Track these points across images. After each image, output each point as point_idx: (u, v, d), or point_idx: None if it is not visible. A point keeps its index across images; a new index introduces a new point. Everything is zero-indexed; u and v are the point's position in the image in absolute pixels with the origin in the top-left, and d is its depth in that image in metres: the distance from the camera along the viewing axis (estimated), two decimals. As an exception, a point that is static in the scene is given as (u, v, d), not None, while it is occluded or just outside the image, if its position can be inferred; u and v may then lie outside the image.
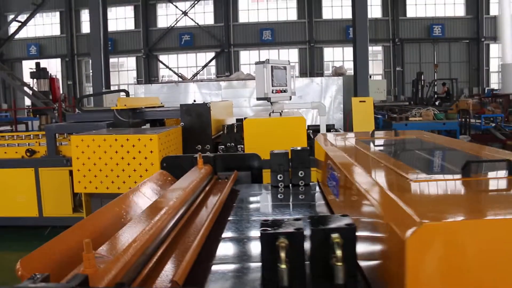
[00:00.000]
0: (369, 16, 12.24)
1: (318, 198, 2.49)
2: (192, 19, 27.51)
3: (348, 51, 27.77)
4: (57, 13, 29.37)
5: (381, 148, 2.28)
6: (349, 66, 18.52)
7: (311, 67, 27.51)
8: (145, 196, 2.34)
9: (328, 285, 1.11)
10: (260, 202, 2.57)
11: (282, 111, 5.75)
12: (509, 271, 0.91)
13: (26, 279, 1.04)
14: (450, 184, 1.32)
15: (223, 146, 5.72)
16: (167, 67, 28.05)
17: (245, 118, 5.92)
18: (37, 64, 12.83)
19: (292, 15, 28.11)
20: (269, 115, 5.64)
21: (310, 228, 1.16)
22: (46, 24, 29.71)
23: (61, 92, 15.47)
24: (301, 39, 27.88)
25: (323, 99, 11.39)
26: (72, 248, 1.49)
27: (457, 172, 1.38)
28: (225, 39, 27.90)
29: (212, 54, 28.33)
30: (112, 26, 20.30)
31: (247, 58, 28.86)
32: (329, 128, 7.31)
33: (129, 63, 29.58)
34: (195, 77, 24.76)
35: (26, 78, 15.46)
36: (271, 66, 5.33)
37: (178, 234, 1.74)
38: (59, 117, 11.06)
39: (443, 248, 0.92)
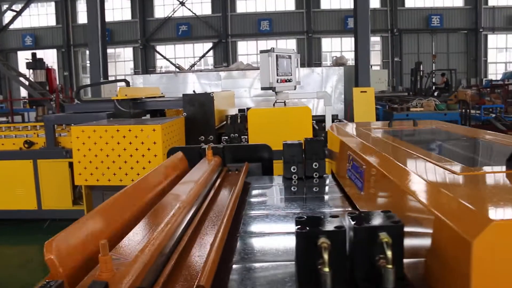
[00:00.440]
0: (368, 6, 12.09)
1: (335, 191, 2.38)
2: (189, 9, 27.23)
3: (346, 41, 27.64)
4: (53, 3, 29.04)
5: (408, 139, 2.16)
6: (347, 57, 18.37)
7: (309, 57, 27.32)
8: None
9: (376, 290, 1.00)
10: (274, 195, 2.46)
11: (285, 101, 5.63)
12: None
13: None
14: (500, 177, 1.20)
15: (226, 137, 5.60)
16: (165, 57, 27.80)
17: (248, 109, 5.81)
18: (33, 55, 12.63)
19: (290, 5, 27.87)
20: (273, 105, 5.52)
21: (353, 226, 1.04)
22: (42, 14, 29.36)
23: (57, 83, 15.27)
24: (299, 30, 27.66)
25: (323, 89, 11.25)
26: (94, 234, 1.38)
27: (500, 164, 1.28)
28: (223, 30, 27.66)
29: (209, 45, 28.09)
30: (108, 17, 19.96)
31: (245, 49, 28.67)
32: (333, 118, 7.19)
33: (126, 53, 29.31)
34: (193, 67, 24.52)
35: (22, 69, 15.23)
36: (276, 55, 5.19)
37: (195, 231, 1.62)
38: (56, 108, 10.89)
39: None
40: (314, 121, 6.26)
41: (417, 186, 1.20)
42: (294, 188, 2.55)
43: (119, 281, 1.02)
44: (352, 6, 26.73)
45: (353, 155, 1.97)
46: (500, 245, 0.82)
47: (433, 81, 19.13)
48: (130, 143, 4.45)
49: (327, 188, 2.49)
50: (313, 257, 1.02)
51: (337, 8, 27.35)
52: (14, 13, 13.17)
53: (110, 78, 14.00)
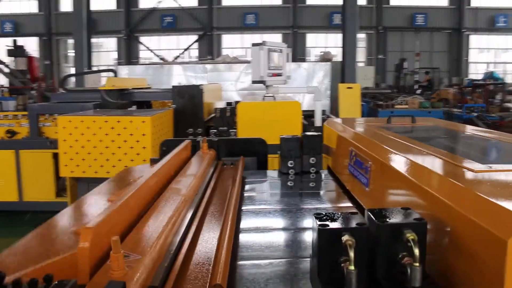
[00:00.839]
0: (354, 3, 12.10)
1: (333, 186, 2.36)
2: (175, 1, 26.91)
3: (331, 37, 27.69)
4: (34, -10, 28.40)
5: (412, 135, 2.15)
6: (332, 53, 18.40)
7: (294, 52, 27.19)
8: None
9: (400, 289, 0.97)
10: (272, 190, 2.43)
11: (274, 96, 5.59)
12: None
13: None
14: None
15: (215, 130, 5.53)
16: (149, 49, 27.47)
17: (236, 102, 5.75)
18: (14, 42, 12.33)
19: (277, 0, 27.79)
20: (263, 99, 5.48)
21: (377, 223, 1.01)
22: (23, 0, 28.65)
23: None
24: (284, 24, 27.58)
25: (310, 84, 11.24)
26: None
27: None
28: (208, 22, 27.43)
29: (194, 37, 27.82)
30: (92, 5, 19.58)
31: (230, 42, 28.47)
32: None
33: (109, 44, 28.84)
34: (177, 60, 24.29)
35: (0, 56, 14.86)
36: (268, 49, 5.15)
37: (198, 227, 1.57)
38: (38, 97, 10.65)
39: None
40: (302, 116, 6.24)
41: (438, 183, 1.17)
42: (291, 183, 2.52)
43: (130, 278, 0.97)
44: (337, 2, 26.76)
45: (356, 151, 1.94)
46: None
47: (416, 78, 19.33)
48: (119, 134, 4.36)
49: (324, 183, 2.46)
50: (335, 254, 0.99)
51: (323, 4, 27.33)
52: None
53: (93, 69, 13.79)
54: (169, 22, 27.52)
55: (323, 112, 7.93)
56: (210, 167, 2.47)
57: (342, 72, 11.13)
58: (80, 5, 11.02)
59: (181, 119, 5.48)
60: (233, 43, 28.43)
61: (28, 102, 10.90)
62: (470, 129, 2.17)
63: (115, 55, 28.66)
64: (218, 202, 1.88)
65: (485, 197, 0.95)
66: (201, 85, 5.69)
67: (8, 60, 12.49)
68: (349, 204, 1.99)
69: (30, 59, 12.52)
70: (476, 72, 27.73)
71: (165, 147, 2.97)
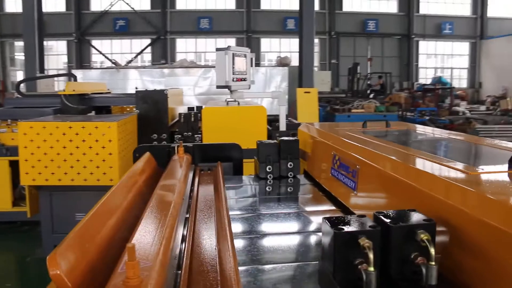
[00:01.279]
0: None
1: (313, 190, 2.40)
2: (127, 4, 26.40)
3: (285, 42, 28.05)
4: (-23, -11, 27.09)
5: (394, 139, 2.22)
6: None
7: (250, 57, 27.35)
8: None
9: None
10: (255, 195, 2.44)
11: (238, 100, 5.61)
12: None
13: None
14: (504, 176, 1.26)
15: (180, 136, 5.50)
16: (101, 53, 26.79)
17: (198, 107, 5.72)
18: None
19: (231, 4, 27.82)
20: (227, 104, 5.48)
21: (390, 225, 1.05)
22: (-37, 1, 27.27)
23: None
24: (239, 29, 27.67)
25: (267, 88, 11.35)
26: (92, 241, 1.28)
27: (501, 164, 1.35)
28: (162, 26, 27.11)
29: (147, 41, 27.38)
30: (41, 7, 18.87)
31: (184, 46, 28.25)
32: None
33: (59, 47, 27.89)
34: (130, 64, 23.84)
35: None
36: (232, 53, 5.16)
37: (193, 234, 1.56)
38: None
39: None
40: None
41: (436, 185, 1.23)
42: (269, 188, 2.54)
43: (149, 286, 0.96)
44: (291, 8, 27.05)
45: (339, 155, 1.99)
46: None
47: (369, 83, 19.90)
48: (84, 140, 4.23)
49: (304, 187, 2.50)
50: (350, 256, 1.02)
51: (276, 9, 27.67)
52: None
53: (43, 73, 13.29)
54: (122, 25, 26.98)
55: (286, 117, 8.02)
56: (189, 171, 2.46)
57: (300, 76, 11.30)
58: (32, 7, 10.63)
59: (144, 125, 5.40)
60: (187, 47, 28.24)
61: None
62: (444, 133, 2.27)
63: (65, 58, 27.75)
64: (208, 208, 1.87)
65: (492, 197, 1.01)
66: (166, 90, 5.62)
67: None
68: (333, 207, 2.04)
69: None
70: (425, 77, 28.91)
71: (138, 154, 2.91)
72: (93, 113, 6.42)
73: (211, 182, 2.41)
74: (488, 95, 25.22)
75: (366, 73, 21.11)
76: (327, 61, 28.16)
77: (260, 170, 2.64)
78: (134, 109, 5.66)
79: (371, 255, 0.98)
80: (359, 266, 1.00)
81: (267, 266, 1.38)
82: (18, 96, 6.68)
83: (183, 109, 7.26)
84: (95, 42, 27.27)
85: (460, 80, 29.73)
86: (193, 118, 5.54)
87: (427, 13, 28.53)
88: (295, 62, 13.53)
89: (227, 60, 5.11)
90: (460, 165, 1.36)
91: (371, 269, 0.98)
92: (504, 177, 1.26)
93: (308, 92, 10.36)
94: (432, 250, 0.99)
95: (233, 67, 5.22)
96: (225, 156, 2.94)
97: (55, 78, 9.66)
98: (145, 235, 1.30)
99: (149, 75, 11.50)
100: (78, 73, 10.90)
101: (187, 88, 11.24)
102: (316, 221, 1.96)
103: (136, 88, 10.97)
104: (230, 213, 2.00)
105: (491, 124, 11.13)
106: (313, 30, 11.19)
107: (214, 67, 11.48)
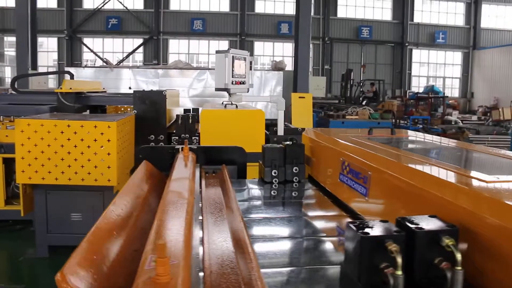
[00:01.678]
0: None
1: (319, 195, 2.42)
2: (120, 2, 26.28)
3: (278, 46, 28.16)
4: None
5: (403, 147, 2.24)
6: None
7: (243, 60, 27.37)
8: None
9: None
10: (262, 200, 2.45)
11: (236, 103, 5.61)
12: None
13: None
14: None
15: (177, 137, 5.49)
16: (92, 51, 26.61)
17: (194, 109, 5.71)
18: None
19: (225, 6, 27.87)
20: (224, 106, 5.49)
21: (415, 230, 1.07)
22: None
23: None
24: (232, 31, 27.73)
25: (262, 92, 11.37)
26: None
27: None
28: (155, 26, 27.06)
29: (140, 41, 27.30)
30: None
31: (176, 47, 28.21)
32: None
33: (49, 44, 27.66)
34: (121, 63, 23.73)
35: None
36: (233, 56, 5.17)
37: (208, 237, 1.57)
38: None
39: None
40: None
41: (457, 192, 1.25)
42: (274, 192, 2.56)
43: (179, 284, 0.96)
44: (285, 12, 27.13)
45: (350, 161, 2.01)
46: None
47: (362, 89, 20.02)
48: (82, 139, 4.20)
49: (310, 192, 2.52)
50: (375, 260, 1.04)
51: (271, 13, 27.77)
52: None
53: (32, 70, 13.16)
54: (114, 24, 26.88)
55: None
56: (196, 170, 2.46)
57: (295, 81, 11.33)
58: (25, 3, 10.53)
59: (142, 125, 5.38)
60: (180, 48, 28.21)
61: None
62: (451, 142, 2.30)
63: (55, 56, 27.52)
64: (220, 212, 1.88)
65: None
66: (165, 91, 5.60)
67: None
68: (341, 213, 2.06)
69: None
70: (417, 85, 29.20)
71: (141, 155, 2.90)
72: (87, 112, 6.38)
73: (217, 184, 2.41)
74: (480, 105, 25.56)
75: (359, 79, 21.24)
76: (320, 66, 28.30)
77: (266, 174, 2.65)
78: (129, 109, 5.64)
79: (399, 259, 0.99)
80: (385, 270, 1.02)
81: (278, 269, 1.39)
82: (13, 92, 6.61)
83: (179, 111, 7.24)
84: (86, 40, 27.10)
85: (452, 89, 30.09)
86: (190, 120, 5.53)
87: (421, 21, 28.87)
88: (288, 66, 13.57)
89: (227, 62, 5.11)
90: (476, 174, 1.38)
91: (399, 272, 0.99)
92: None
93: (303, 97, 10.39)
94: (459, 255, 1.01)
95: (232, 70, 5.22)
96: (228, 159, 2.94)
97: (50, 76, 9.57)
98: (168, 233, 1.29)
99: (143, 75, 11.45)
100: (71, 71, 10.83)
101: (181, 90, 11.21)
102: (326, 225, 1.98)
103: (130, 88, 10.93)
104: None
105: (484, 134, 11.27)
106: (309, 35, 11.25)
107: (209, 69, 11.53)
